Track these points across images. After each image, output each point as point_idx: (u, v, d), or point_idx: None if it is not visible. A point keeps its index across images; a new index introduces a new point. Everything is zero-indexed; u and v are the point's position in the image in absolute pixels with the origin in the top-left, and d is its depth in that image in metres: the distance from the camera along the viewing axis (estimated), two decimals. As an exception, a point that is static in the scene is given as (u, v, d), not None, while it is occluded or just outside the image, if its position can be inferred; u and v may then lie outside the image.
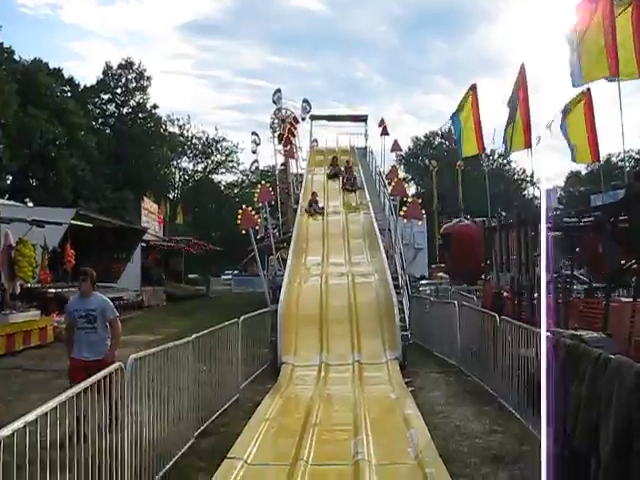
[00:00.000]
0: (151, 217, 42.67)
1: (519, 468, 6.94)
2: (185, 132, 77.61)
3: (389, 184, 21.83)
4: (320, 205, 23.62)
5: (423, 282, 29.66)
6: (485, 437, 8.26)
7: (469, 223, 28.40)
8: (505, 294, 14.53)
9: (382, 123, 32.85)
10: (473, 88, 18.76)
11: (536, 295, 12.34)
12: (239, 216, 17.27)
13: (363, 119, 37.10)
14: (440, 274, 33.40)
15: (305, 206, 23.58)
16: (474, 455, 7.49)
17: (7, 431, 3.42)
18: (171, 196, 72.30)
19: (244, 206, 17.97)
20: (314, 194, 24.29)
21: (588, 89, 16.47)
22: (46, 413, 3.86)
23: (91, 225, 24.26)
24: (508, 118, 17.11)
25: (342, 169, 28.06)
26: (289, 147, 29.81)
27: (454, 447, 7.82)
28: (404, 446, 7.71)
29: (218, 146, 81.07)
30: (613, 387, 5.09)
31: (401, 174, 34.49)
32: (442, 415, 9.47)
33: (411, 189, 72.02)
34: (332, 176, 28.07)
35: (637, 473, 4.77)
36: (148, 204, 43.21)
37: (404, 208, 18.12)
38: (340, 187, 26.60)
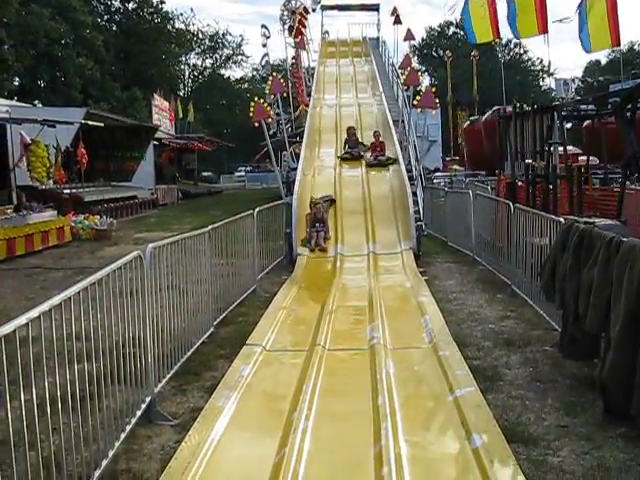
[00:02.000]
0: (162, 115, 42.33)
1: (530, 351, 7.10)
2: (191, 26, 75.82)
3: (402, 74, 21.39)
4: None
5: (437, 174, 29.58)
6: (498, 322, 8.43)
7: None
8: (519, 184, 14.46)
9: (395, 12, 31.92)
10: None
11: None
12: (251, 109, 17.05)
13: (375, 8, 36.08)
14: (454, 166, 33.27)
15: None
16: (487, 339, 7.67)
17: (23, 320, 3.41)
18: (181, 93, 71.37)
19: (256, 98, 17.74)
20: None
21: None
22: (61, 303, 3.88)
23: (102, 124, 24.06)
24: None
25: (364, 147, 17.32)
26: (300, 39, 29.08)
27: (468, 332, 8.00)
28: (419, 331, 7.86)
29: (224, 40, 79.41)
30: (625, 269, 5.13)
31: (415, 65, 33.73)
32: (456, 302, 9.65)
33: (425, 81, 70.46)
34: (349, 159, 17.13)
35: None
36: (159, 101, 42.77)
37: (417, 97, 17.81)
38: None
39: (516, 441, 4.79)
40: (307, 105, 24.14)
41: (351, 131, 17.53)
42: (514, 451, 4.57)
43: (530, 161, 13.46)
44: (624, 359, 5.02)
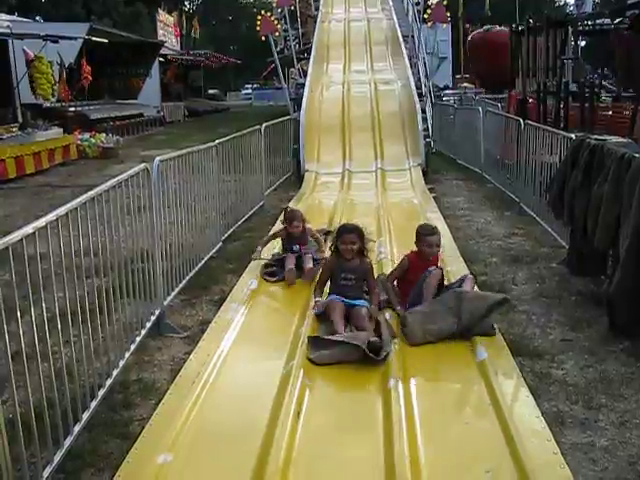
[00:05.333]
0: (167, 31, 41.34)
1: (537, 268, 7.12)
2: None
3: (412, -14, 20.73)
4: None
5: (447, 92, 29.08)
6: (505, 239, 8.45)
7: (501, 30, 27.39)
8: (530, 101, 14.23)
9: None
10: None
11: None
12: (258, 22, 16.72)
13: None
14: (465, 84, 32.68)
15: None
16: (494, 255, 7.70)
17: (29, 229, 3.32)
18: (186, 8, 69.65)
19: (263, 12, 17.38)
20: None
21: None
22: (67, 214, 3.80)
23: (106, 40, 23.58)
24: None
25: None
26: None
27: (475, 248, 8.03)
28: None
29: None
30: (636, 186, 5.07)
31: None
32: (464, 219, 9.65)
33: (436, -4, 68.14)
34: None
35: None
36: (163, 17, 41.71)
37: (428, 11, 17.38)
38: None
39: (521, 354, 4.85)
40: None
41: (349, 245, 5.57)
42: (519, 364, 4.63)
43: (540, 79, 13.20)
44: (632, 275, 5.03)
